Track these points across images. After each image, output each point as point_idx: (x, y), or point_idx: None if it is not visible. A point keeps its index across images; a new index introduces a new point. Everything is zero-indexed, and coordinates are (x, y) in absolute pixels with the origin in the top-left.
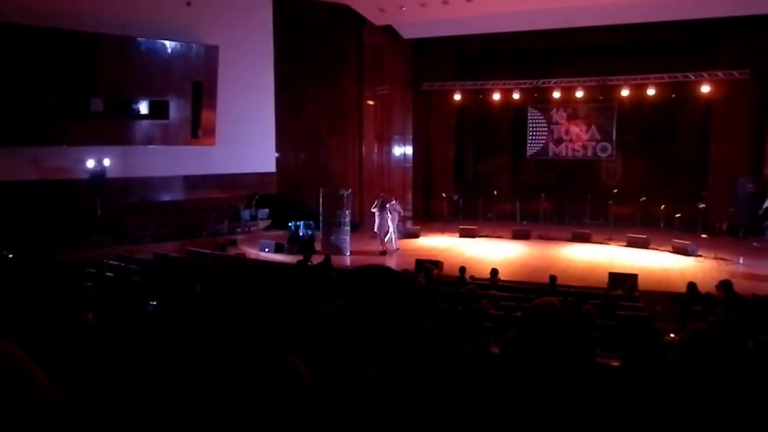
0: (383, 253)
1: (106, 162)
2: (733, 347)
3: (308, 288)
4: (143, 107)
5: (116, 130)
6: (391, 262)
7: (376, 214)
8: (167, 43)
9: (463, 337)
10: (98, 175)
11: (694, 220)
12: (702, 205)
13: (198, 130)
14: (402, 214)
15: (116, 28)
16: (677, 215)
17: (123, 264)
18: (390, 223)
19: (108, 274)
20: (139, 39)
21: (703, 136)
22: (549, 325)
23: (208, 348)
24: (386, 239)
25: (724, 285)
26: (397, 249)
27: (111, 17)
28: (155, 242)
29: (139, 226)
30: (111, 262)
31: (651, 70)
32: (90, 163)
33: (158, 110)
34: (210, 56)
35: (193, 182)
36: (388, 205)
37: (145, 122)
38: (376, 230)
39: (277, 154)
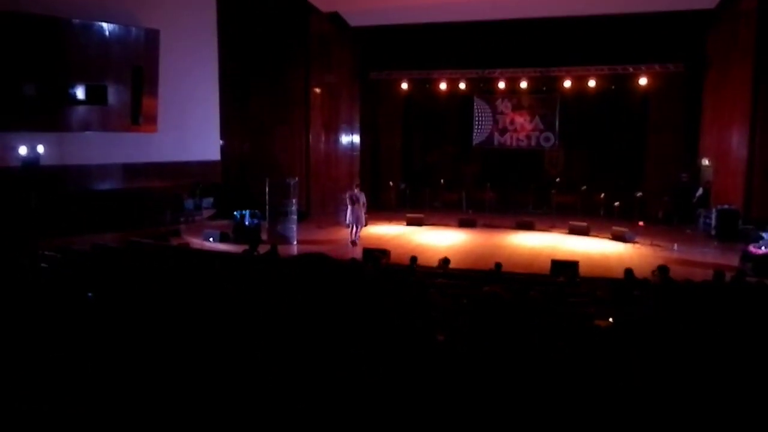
0: (354, 244)
1: (40, 149)
2: (667, 330)
3: (254, 277)
4: (80, 92)
5: (51, 115)
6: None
7: (349, 205)
8: (105, 25)
9: (412, 325)
10: (31, 163)
11: (632, 208)
12: (639, 194)
13: (139, 116)
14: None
15: (49, 9)
16: (616, 203)
17: (59, 255)
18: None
19: (43, 265)
20: (74, 20)
21: (640, 127)
22: (495, 314)
23: (157, 338)
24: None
25: (661, 270)
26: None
27: None
28: (94, 233)
29: (77, 216)
30: (46, 253)
31: (592, 62)
32: (23, 150)
33: (96, 95)
34: (151, 40)
35: (134, 170)
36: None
37: (82, 108)
38: (348, 222)
39: (221, 142)
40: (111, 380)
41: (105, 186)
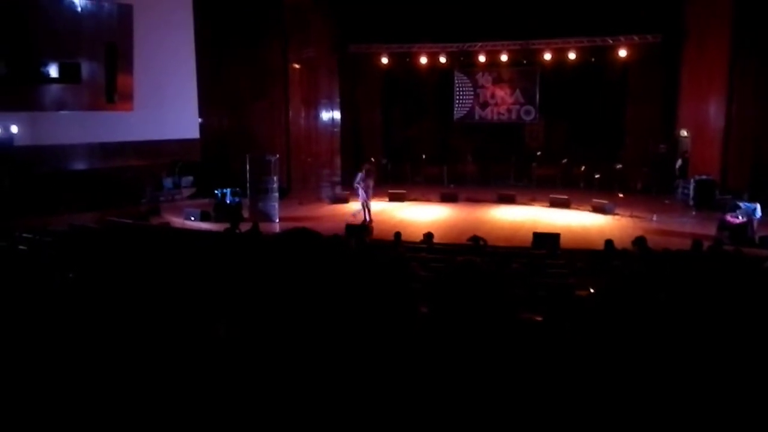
0: (370, 223)
1: (14, 129)
2: (645, 297)
3: (236, 255)
4: (53, 70)
5: (23, 94)
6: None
7: (361, 185)
8: (76, 0)
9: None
10: (5, 143)
11: (612, 179)
12: (619, 166)
13: (114, 94)
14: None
15: None
16: (596, 176)
17: (37, 237)
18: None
19: (21, 247)
20: None
21: (620, 99)
22: (470, 283)
23: (131, 317)
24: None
25: (639, 241)
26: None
27: None
28: (71, 213)
29: (53, 197)
30: (24, 234)
31: (572, 34)
32: None
33: (69, 73)
34: (124, 16)
35: (110, 149)
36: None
37: (55, 86)
38: (361, 202)
39: (200, 120)
40: (95, 362)
41: (81, 166)
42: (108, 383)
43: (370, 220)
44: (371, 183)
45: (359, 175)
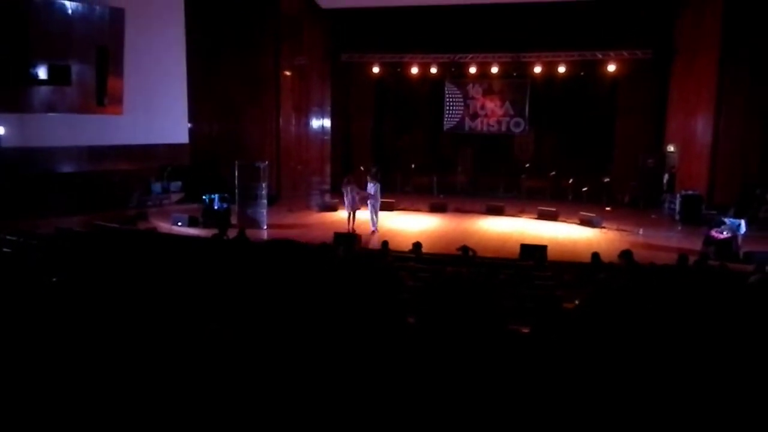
0: (352, 232)
1: (1, 130)
2: (631, 310)
3: (222, 261)
4: (42, 72)
5: (11, 95)
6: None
7: (347, 192)
8: (67, 3)
9: (380, 308)
10: None
11: (600, 192)
12: (606, 179)
13: (104, 97)
14: (373, 192)
15: None
16: (584, 189)
17: (21, 239)
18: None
19: (5, 250)
20: None
21: (609, 114)
22: (458, 296)
23: (126, 320)
24: (375, 219)
25: (625, 254)
26: (374, 231)
27: None
28: (58, 216)
29: (40, 199)
30: (8, 237)
31: (563, 48)
32: None
33: (59, 75)
34: (115, 19)
35: (99, 153)
36: (370, 184)
37: (44, 88)
38: (346, 209)
39: (190, 125)
40: (78, 366)
41: (69, 168)
42: (93, 382)
43: (353, 229)
44: (355, 192)
45: (370, 185)
